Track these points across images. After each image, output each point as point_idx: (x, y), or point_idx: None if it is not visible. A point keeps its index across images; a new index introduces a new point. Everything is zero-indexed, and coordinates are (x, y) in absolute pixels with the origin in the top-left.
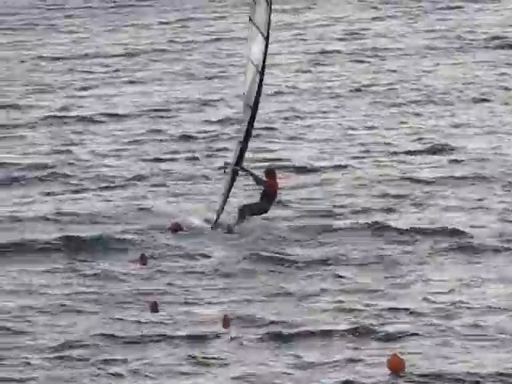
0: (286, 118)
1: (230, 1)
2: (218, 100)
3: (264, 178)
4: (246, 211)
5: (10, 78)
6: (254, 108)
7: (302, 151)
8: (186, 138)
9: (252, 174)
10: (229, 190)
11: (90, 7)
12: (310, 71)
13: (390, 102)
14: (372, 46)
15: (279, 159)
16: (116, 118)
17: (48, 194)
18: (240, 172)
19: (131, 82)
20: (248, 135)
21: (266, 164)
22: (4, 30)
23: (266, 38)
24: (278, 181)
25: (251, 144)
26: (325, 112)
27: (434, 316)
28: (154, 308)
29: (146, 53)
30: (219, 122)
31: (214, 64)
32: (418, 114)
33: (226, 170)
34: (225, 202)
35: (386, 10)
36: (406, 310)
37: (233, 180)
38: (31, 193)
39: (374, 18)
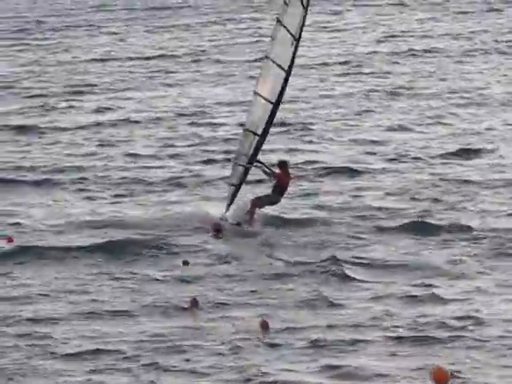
0: (323, 119)
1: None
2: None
3: (277, 171)
4: (257, 203)
5: (49, 79)
6: (276, 105)
7: (339, 153)
8: (224, 140)
9: (265, 166)
10: (241, 183)
11: (131, 9)
12: (348, 73)
13: (428, 103)
14: (409, 48)
15: (316, 161)
16: (154, 120)
17: (84, 197)
18: (254, 165)
19: (170, 84)
20: (266, 131)
21: (307, 166)
22: (45, 32)
23: (297, 41)
24: (289, 173)
25: (287, 144)
26: (362, 113)
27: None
28: (195, 305)
29: (186, 54)
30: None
31: (254, 65)
32: (457, 116)
33: (238, 163)
34: (235, 193)
35: (426, 11)
36: (459, 318)
37: (246, 173)
38: (67, 196)
39: (414, 20)
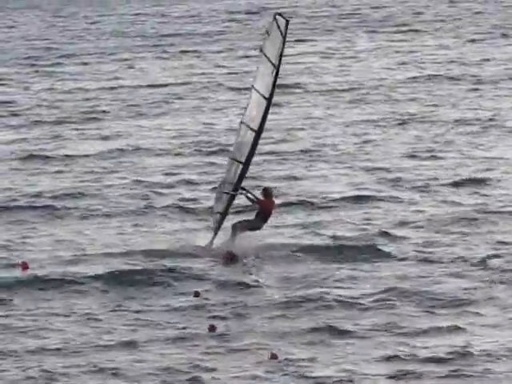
0: (332, 147)
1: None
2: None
3: (261, 197)
4: (239, 227)
5: (59, 106)
6: (260, 128)
7: (347, 180)
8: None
9: (249, 193)
10: (226, 211)
11: (143, 36)
12: (357, 100)
13: (439, 131)
14: (420, 74)
15: (324, 189)
16: (164, 148)
17: (93, 225)
18: (239, 192)
19: (180, 111)
20: (251, 156)
21: (314, 194)
22: (57, 58)
23: (277, 70)
24: (273, 200)
25: (293, 171)
26: (370, 141)
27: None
28: (212, 330)
29: (197, 82)
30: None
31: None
32: (468, 144)
33: (223, 190)
34: (221, 221)
35: (436, 38)
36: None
37: (231, 201)
38: (76, 224)
39: (424, 47)
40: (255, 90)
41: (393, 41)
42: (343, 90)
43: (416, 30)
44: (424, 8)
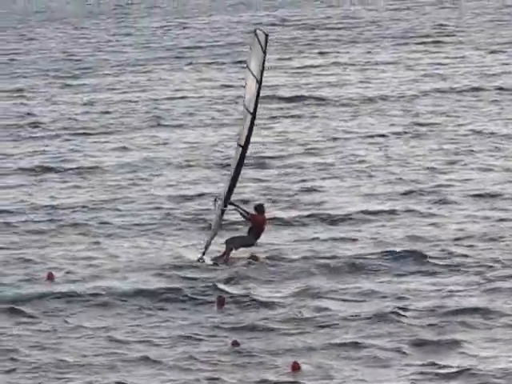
0: (349, 159)
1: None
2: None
3: (253, 213)
4: (232, 243)
5: (77, 118)
6: (244, 147)
7: (364, 194)
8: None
9: (240, 209)
10: (217, 226)
11: (165, 48)
12: (376, 112)
13: (459, 144)
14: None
15: (337, 203)
16: (180, 161)
17: (108, 239)
18: (229, 207)
19: (198, 125)
20: (238, 173)
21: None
22: (79, 70)
23: (259, 84)
24: (265, 216)
25: (310, 183)
26: (391, 154)
27: None
28: (235, 345)
29: (219, 95)
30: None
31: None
32: (488, 157)
33: (217, 204)
34: (213, 236)
35: (457, 49)
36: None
37: (221, 216)
38: (91, 239)
39: (445, 58)
40: (244, 106)
41: (414, 52)
42: (364, 102)
43: (437, 42)
44: (445, 20)
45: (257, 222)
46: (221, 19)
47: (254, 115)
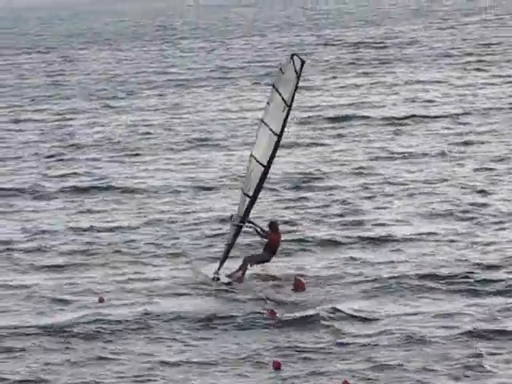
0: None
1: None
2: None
3: (267, 230)
4: (250, 261)
5: (125, 142)
6: (268, 164)
7: (414, 210)
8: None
9: (257, 227)
10: (233, 243)
11: (205, 69)
12: (392, 134)
13: (482, 167)
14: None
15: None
16: (196, 186)
17: (133, 261)
18: (246, 225)
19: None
20: (258, 190)
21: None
22: (122, 92)
23: (289, 107)
24: (279, 233)
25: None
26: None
27: None
28: (277, 367)
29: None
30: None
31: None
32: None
33: (233, 222)
34: (228, 252)
35: (478, 71)
36: None
37: (237, 233)
38: (117, 257)
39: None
40: (264, 123)
41: (458, 71)
42: (408, 121)
43: (481, 61)
44: (489, 39)
45: (272, 240)
46: (264, 40)
47: (280, 137)
